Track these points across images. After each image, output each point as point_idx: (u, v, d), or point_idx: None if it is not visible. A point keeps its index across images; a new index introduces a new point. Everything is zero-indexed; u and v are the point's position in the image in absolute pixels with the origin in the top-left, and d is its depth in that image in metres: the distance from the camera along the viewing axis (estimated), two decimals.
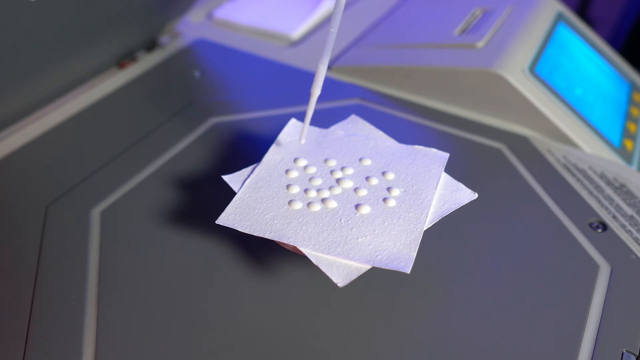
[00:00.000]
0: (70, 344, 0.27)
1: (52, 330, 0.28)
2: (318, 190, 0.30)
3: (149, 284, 0.30)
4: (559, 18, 0.51)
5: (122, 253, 0.32)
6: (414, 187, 0.30)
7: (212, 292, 0.30)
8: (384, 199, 0.29)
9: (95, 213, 0.34)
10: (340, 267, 0.26)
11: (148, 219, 0.34)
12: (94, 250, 0.32)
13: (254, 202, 0.29)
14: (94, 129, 0.42)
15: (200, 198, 0.36)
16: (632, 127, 0.46)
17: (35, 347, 0.27)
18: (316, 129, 0.34)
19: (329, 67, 0.50)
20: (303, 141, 0.32)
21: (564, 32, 0.50)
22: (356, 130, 0.34)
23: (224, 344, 0.27)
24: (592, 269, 0.31)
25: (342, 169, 0.31)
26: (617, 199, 0.36)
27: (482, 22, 0.49)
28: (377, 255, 0.26)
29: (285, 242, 0.27)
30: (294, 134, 0.34)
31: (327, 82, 0.48)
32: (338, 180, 0.30)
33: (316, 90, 0.30)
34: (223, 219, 0.28)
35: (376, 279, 0.30)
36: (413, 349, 0.27)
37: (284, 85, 0.48)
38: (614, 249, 0.33)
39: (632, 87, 0.52)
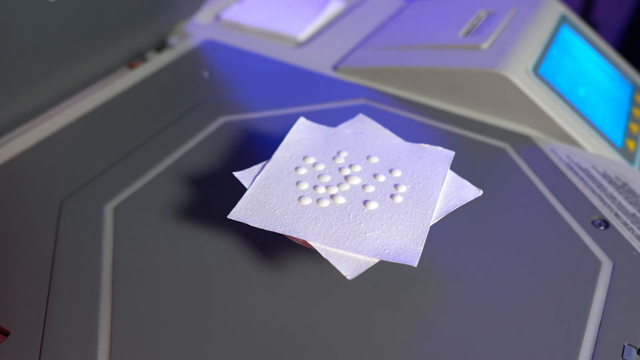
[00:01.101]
0: (85, 334, 0.28)
1: (68, 321, 0.29)
2: (327, 187, 0.30)
3: (161, 277, 0.31)
4: (563, 20, 0.52)
5: (135, 247, 0.33)
6: (421, 184, 0.30)
7: (223, 286, 0.31)
8: (391, 196, 0.30)
9: (109, 208, 0.35)
10: (349, 260, 0.26)
11: (160, 215, 0.35)
12: (108, 244, 0.33)
13: (264, 198, 0.30)
14: (106, 127, 0.43)
15: (210, 194, 0.37)
16: (634, 127, 0.47)
17: (51, 337, 0.28)
18: (324, 127, 0.35)
19: (335, 68, 0.51)
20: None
21: (567, 33, 0.51)
22: (363, 129, 0.35)
23: (235, 337, 0.28)
24: (595, 265, 0.32)
25: (350, 166, 0.32)
26: (619, 198, 0.37)
27: (486, 23, 0.50)
28: (384, 249, 0.27)
29: (295, 236, 0.28)
30: (303, 132, 0.35)
31: (334, 82, 0.49)
32: (346, 177, 0.31)
33: None
34: (234, 214, 0.29)
35: (384, 275, 0.31)
36: (418, 342, 0.28)
37: (291, 86, 0.48)
38: (616, 246, 0.33)
39: (635, 88, 0.52)
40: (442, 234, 0.33)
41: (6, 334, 0.28)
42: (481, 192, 0.30)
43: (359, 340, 0.28)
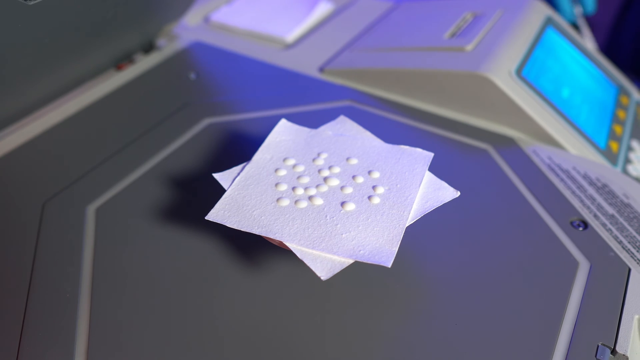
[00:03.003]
0: (63, 334, 0.28)
1: (47, 320, 0.29)
2: (305, 188, 0.31)
3: (141, 278, 0.31)
4: (548, 22, 0.52)
5: (116, 248, 0.33)
6: (398, 186, 0.31)
7: (202, 287, 0.31)
8: (369, 197, 0.30)
9: (91, 210, 0.35)
10: (324, 261, 0.27)
11: (142, 216, 0.35)
12: (89, 245, 0.33)
13: (242, 199, 0.30)
14: (92, 129, 0.44)
15: (193, 196, 0.37)
16: (618, 129, 0.47)
17: (30, 336, 0.28)
18: (305, 129, 0.35)
19: (322, 70, 0.51)
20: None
21: (552, 35, 0.51)
22: (344, 131, 0.35)
23: (213, 337, 0.28)
24: (572, 266, 0.32)
25: (330, 167, 0.32)
26: (599, 199, 0.37)
27: (472, 26, 0.50)
28: (359, 250, 0.27)
29: (272, 237, 0.28)
30: (284, 134, 0.35)
31: (320, 84, 0.49)
32: (325, 179, 0.31)
33: None
34: (212, 215, 0.29)
35: (360, 275, 0.31)
36: (394, 342, 0.28)
37: (277, 87, 0.49)
38: (594, 247, 0.34)
39: (620, 90, 0.52)
40: (421, 235, 0.34)
41: None
42: (458, 193, 0.30)
43: (335, 340, 0.28)
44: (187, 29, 0.59)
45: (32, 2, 0.31)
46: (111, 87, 0.48)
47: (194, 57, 0.54)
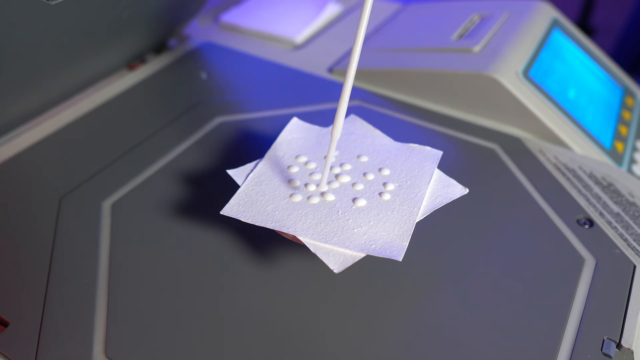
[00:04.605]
0: (82, 325, 0.29)
1: (66, 312, 0.30)
2: (317, 185, 0.31)
3: (156, 271, 0.32)
4: (554, 24, 0.53)
5: (131, 242, 0.34)
6: (408, 182, 0.31)
7: (216, 280, 0.32)
8: (380, 193, 0.31)
9: (107, 205, 0.36)
10: (337, 255, 0.27)
11: (156, 211, 0.36)
12: (105, 239, 0.34)
13: (256, 195, 0.31)
14: (106, 127, 0.44)
15: (205, 191, 0.38)
16: (623, 130, 0.48)
17: (49, 327, 0.29)
18: (317, 127, 0.36)
19: (331, 70, 0.52)
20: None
21: (558, 37, 0.52)
22: (355, 129, 0.36)
23: (227, 330, 0.29)
24: (578, 263, 0.33)
25: (341, 165, 0.33)
26: (605, 197, 0.37)
27: (479, 27, 0.51)
28: (371, 245, 0.28)
29: (285, 231, 0.28)
30: (296, 132, 0.36)
31: (329, 84, 0.50)
32: (336, 176, 0.32)
33: (336, 134, 0.29)
34: (227, 210, 0.30)
35: (371, 270, 0.32)
36: (404, 336, 0.29)
37: (287, 87, 0.49)
38: (600, 244, 0.34)
39: (625, 91, 0.53)
40: (430, 231, 0.34)
41: (5, 324, 0.29)
42: (467, 190, 0.31)
43: (346, 333, 0.29)
44: (198, 30, 0.60)
45: (54, 2, 0.32)
46: (124, 86, 0.49)
47: (205, 57, 0.54)
